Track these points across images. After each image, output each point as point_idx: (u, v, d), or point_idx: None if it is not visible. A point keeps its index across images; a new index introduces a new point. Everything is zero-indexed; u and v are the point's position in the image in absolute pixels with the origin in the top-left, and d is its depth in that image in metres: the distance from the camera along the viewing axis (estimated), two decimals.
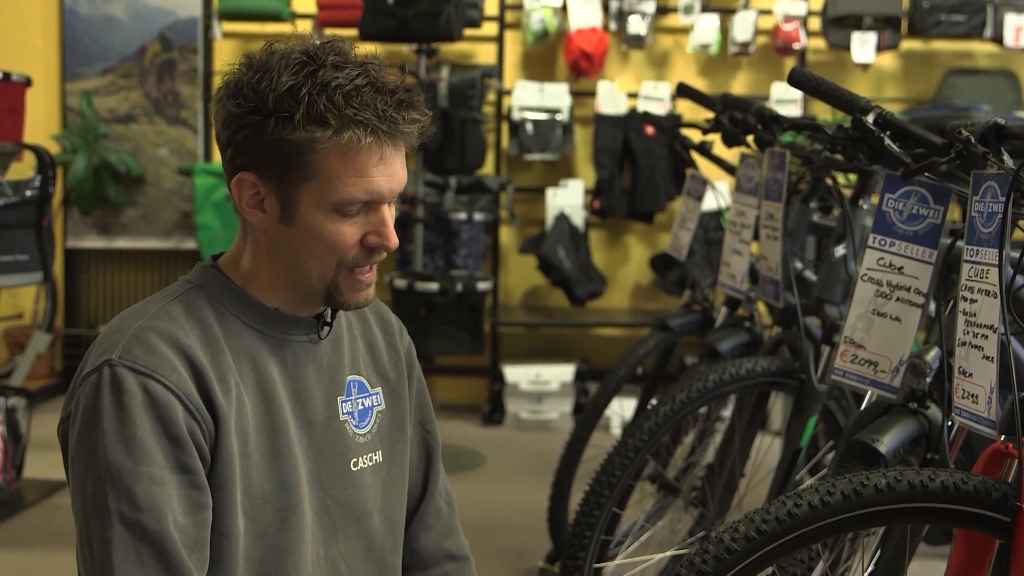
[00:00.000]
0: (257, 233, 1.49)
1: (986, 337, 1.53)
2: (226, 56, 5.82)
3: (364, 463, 1.58)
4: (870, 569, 1.82)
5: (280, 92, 1.39)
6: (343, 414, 1.57)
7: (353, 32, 4.80)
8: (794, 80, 2.07)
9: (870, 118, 1.92)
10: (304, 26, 5.67)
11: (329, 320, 1.56)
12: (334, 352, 1.58)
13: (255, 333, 1.49)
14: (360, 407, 1.60)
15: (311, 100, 1.38)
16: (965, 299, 1.58)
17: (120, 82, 5.89)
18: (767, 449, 2.80)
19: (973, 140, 1.62)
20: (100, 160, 5.71)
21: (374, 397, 1.62)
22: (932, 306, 1.97)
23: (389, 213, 1.47)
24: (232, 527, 1.42)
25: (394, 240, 1.47)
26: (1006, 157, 1.59)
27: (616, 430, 4.78)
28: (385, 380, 1.65)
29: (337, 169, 1.41)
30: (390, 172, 1.44)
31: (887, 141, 1.88)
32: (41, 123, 5.64)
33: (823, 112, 5.19)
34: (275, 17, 5.58)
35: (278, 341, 1.51)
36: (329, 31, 5.53)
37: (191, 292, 1.49)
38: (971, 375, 1.55)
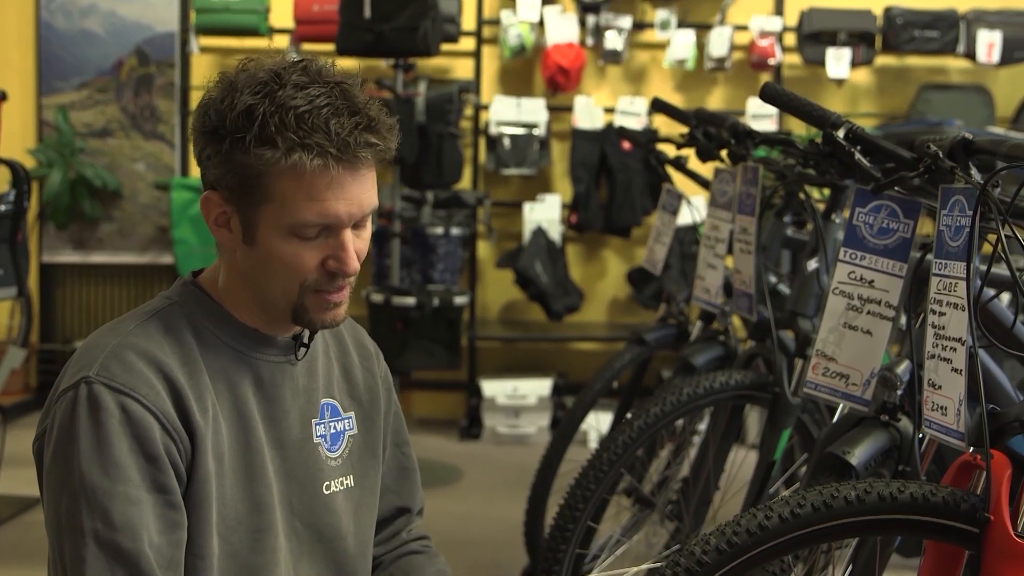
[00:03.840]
0: (228, 251, 1.49)
1: (955, 350, 1.54)
2: (203, 71, 5.85)
3: (336, 487, 1.58)
4: None
5: (237, 112, 1.38)
6: (316, 437, 1.56)
7: (330, 47, 4.81)
8: (766, 95, 2.08)
9: (841, 133, 1.94)
10: (282, 41, 5.67)
11: (306, 342, 1.55)
12: (309, 374, 1.57)
13: (232, 352, 1.48)
14: (332, 431, 1.59)
15: (264, 122, 1.37)
16: (934, 312, 1.59)
17: (96, 96, 5.87)
18: (742, 462, 2.81)
19: (941, 155, 1.64)
20: (76, 174, 5.69)
21: (346, 421, 1.61)
22: (903, 319, 1.99)
23: (351, 237, 1.43)
24: (206, 548, 1.41)
25: (352, 266, 1.43)
26: (973, 171, 1.61)
27: (593, 444, 4.79)
28: (359, 404, 1.64)
29: (290, 192, 1.39)
30: (347, 196, 1.40)
31: (857, 156, 1.90)
32: (17, 137, 5.61)
33: (799, 127, 5.23)
34: (253, 32, 5.57)
35: (254, 361, 1.50)
36: (307, 46, 5.54)
37: (169, 309, 1.48)
38: (940, 387, 1.57)
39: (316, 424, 1.56)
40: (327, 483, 1.56)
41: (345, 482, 1.59)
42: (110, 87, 5.87)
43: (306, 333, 1.55)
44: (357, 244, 1.45)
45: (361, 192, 1.42)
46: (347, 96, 1.40)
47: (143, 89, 5.88)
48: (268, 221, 1.41)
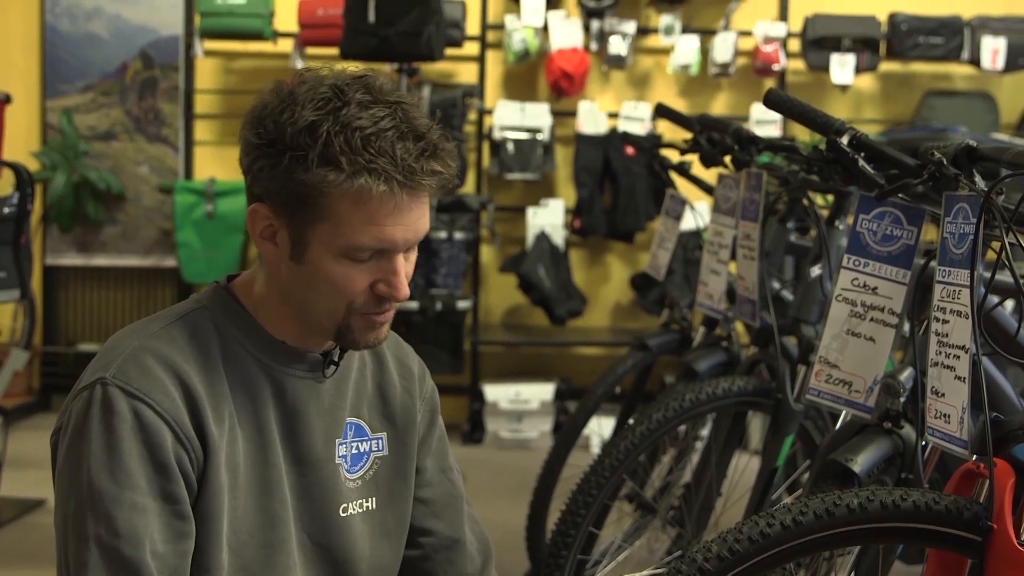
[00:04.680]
0: (270, 265, 1.46)
1: (958, 357, 1.53)
2: (208, 74, 5.87)
3: (354, 509, 1.55)
4: None
5: (299, 128, 1.34)
6: (338, 457, 1.53)
7: (334, 51, 4.81)
8: (769, 102, 2.08)
9: (844, 139, 1.93)
10: (286, 45, 5.67)
11: (336, 360, 1.53)
12: (336, 392, 1.54)
13: (256, 364, 1.46)
14: (354, 451, 1.56)
15: (328, 140, 1.33)
16: (937, 319, 1.59)
17: (101, 99, 5.88)
18: (745, 468, 2.81)
19: (945, 162, 1.64)
20: (80, 177, 5.69)
21: (373, 442, 1.58)
22: (906, 326, 1.99)
23: (402, 262, 1.41)
24: (215, 561, 1.40)
25: (403, 291, 1.41)
26: (978, 179, 1.60)
27: (596, 449, 4.78)
28: (392, 425, 1.60)
29: (349, 215, 1.35)
30: (405, 222, 1.38)
31: (861, 162, 1.89)
32: (21, 140, 5.62)
33: (803, 133, 5.22)
34: (257, 36, 5.58)
35: (279, 375, 1.47)
36: (311, 50, 5.54)
37: (198, 313, 1.46)
38: (943, 395, 1.56)
39: (339, 444, 1.54)
40: (344, 505, 1.53)
41: (365, 504, 1.56)
42: (114, 90, 5.88)
43: (336, 351, 1.53)
44: (406, 267, 1.43)
45: (418, 218, 1.40)
46: (409, 119, 1.37)
47: (147, 92, 5.88)
48: (321, 240, 1.38)
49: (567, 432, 3.29)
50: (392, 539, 1.60)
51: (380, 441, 1.59)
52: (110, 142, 5.89)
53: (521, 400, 5.44)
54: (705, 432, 2.99)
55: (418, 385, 1.66)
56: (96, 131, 5.87)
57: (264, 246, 1.44)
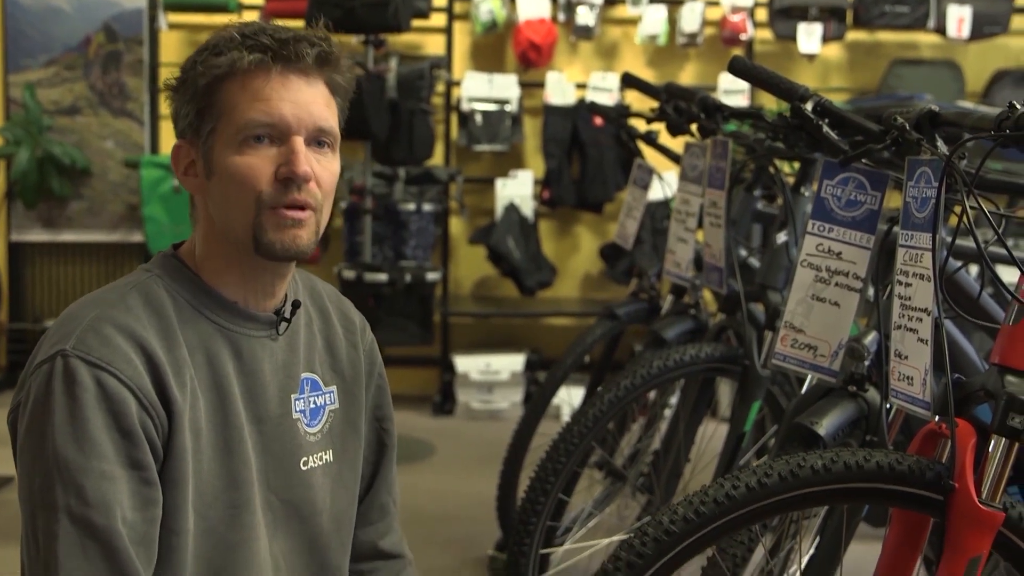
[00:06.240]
0: (198, 205, 1.50)
1: (920, 320, 1.55)
2: (172, 48, 5.81)
3: (314, 462, 1.57)
4: (810, 551, 1.85)
5: (198, 50, 1.45)
6: (296, 412, 1.55)
7: (300, 23, 4.78)
8: (734, 69, 2.08)
9: (809, 106, 1.94)
10: (251, 17, 5.63)
11: (288, 317, 1.54)
12: (290, 348, 1.56)
13: (212, 326, 1.47)
14: (312, 405, 1.58)
15: (216, 42, 1.44)
16: (900, 283, 1.60)
17: (64, 74, 5.81)
18: (713, 434, 2.83)
19: (908, 127, 1.65)
20: (44, 152, 5.64)
21: (327, 395, 1.60)
22: (871, 291, 2.00)
23: (302, 145, 1.44)
24: (182, 523, 1.40)
25: (300, 167, 1.42)
26: (940, 143, 1.62)
27: (566, 419, 4.80)
28: (341, 378, 1.63)
29: (237, 98, 1.43)
30: (294, 99, 1.43)
31: (825, 128, 1.90)
32: None
33: (771, 103, 5.23)
34: (221, 8, 5.53)
35: (234, 335, 1.49)
36: (277, 23, 5.49)
37: (149, 281, 1.46)
38: (906, 358, 1.58)
39: (296, 399, 1.55)
40: (305, 459, 1.55)
41: (324, 457, 1.58)
42: (78, 64, 5.81)
43: (287, 308, 1.54)
44: (316, 167, 1.45)
45: (311, 99, 1.45)
46: (301, 31, 1.47)
47: (111, 66, 5.82)
48: (222, 139, 1.44)
49: (537, 402, 3.30)
50: (348, 490, 1.64)
51: (332, 395, 1.62)
52: (74, 117, 5.83)
53: (491, 371, 5.46)
54: (674, 399, 3.01)
55: (360, 337, 1.69)
56: (60, 106, 5.81)
57: (188, 182, 1.50)
